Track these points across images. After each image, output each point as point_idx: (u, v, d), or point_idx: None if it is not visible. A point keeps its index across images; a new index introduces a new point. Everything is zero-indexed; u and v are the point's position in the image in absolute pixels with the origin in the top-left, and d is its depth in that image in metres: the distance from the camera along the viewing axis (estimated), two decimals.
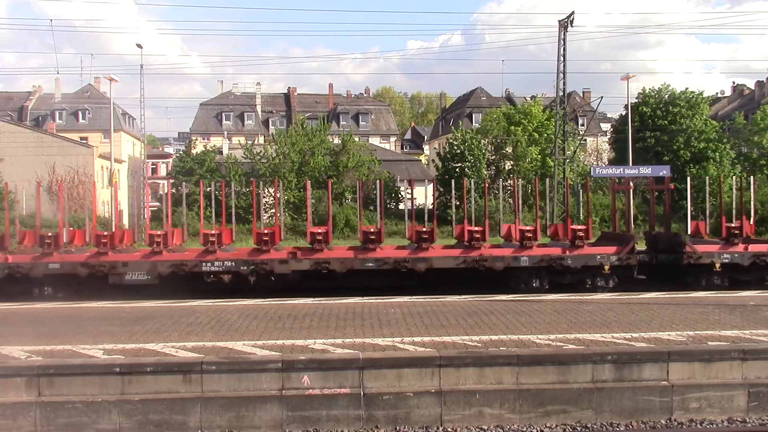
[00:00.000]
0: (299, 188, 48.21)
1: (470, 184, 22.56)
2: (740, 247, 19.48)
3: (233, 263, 18.67)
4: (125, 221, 48.95)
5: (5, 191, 22.46)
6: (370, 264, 18.79)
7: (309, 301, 16.27)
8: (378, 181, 24.37)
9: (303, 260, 18.73)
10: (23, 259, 18.41)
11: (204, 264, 18.53)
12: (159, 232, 19.01)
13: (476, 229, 19.49)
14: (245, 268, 18.62)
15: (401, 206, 56.63)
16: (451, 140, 55.98)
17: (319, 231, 19.26)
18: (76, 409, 9.82)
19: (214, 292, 18.17)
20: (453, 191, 30.72)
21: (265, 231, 19.25)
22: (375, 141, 77.64)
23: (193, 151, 62.46)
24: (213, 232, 19.13)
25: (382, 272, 18.82)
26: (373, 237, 19.07)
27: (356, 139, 58.02)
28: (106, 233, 19.16)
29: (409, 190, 57.16)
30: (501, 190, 42.28)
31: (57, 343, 11.39)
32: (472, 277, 19.04)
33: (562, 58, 44.90)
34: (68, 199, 47.17)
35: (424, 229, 19.39)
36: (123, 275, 18.33)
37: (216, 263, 18.58)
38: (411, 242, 19.92)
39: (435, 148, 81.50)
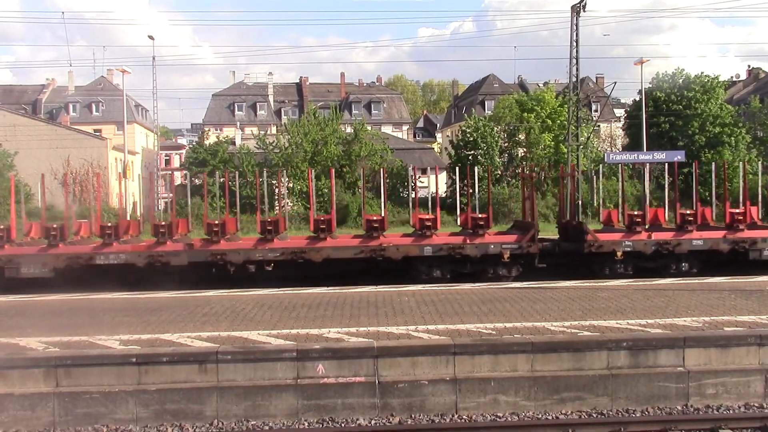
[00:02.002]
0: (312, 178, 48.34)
1: (482, 171, 22.55)
2: None
3: None
4: (139, 212, 49.18)
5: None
6: None
7: (323, 290, 16.32)
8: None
9: None
10: (666, 236, 19.10)
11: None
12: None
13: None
14: None
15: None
16: (463, 128, 55.84)
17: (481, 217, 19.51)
18: (94, 400, 9.91)
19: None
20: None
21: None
22: (387, 129, 77.44)
23: (206, 142, 62.55)
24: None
25: None
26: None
27: (368, 127, 57.91)
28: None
29: (422, 179, 57.09)
30: (515, 177, 42.14)
31: (73, 334, 11.48)
32: None
33: (574, 44, 44.57)
34: (83, 191, 47.56)
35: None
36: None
37: None
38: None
39: (448, 136, 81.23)
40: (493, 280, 18.22)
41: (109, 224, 19.02)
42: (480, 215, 19.48)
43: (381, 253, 18.57)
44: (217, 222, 19.00)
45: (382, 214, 20.08)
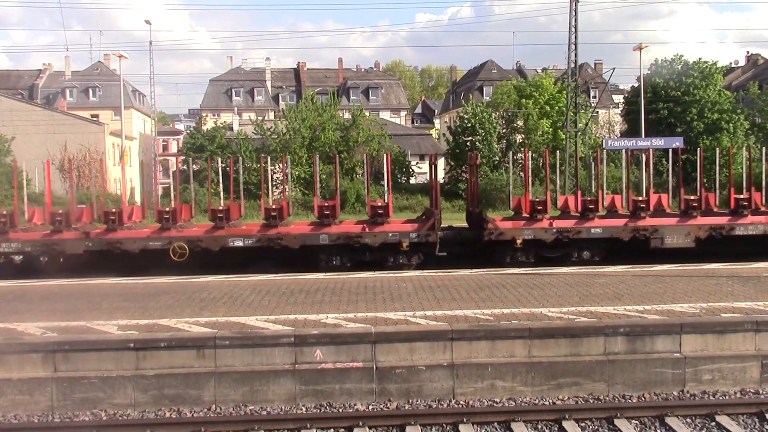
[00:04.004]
0: (309, 164, 48.27)
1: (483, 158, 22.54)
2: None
3: None
4: (137, 198, 49.11)
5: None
6: None
7: (321, 276, 16.34)
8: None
9: None
10: None
11: None
12: None
13: None
14: None
15: (412, 180, 56.59)
16: (461, 114, 55.66)
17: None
18: (92, 385, 9.93)
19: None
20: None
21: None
22: (385, 115, 77.23)
23: (204, 128, 62.35)
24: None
25: None
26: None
27: (366, 113, 57.73)
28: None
29: (419, 165, 57.10)
30: (512, 164, 42.10)
31: (72, 319, 11.50)
32: None
33: (573, 30, 44.43)
34: (80, 176, 47.40)
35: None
36: None
37: None
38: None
39: (446, 121, 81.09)
40: None
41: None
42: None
43: None
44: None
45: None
